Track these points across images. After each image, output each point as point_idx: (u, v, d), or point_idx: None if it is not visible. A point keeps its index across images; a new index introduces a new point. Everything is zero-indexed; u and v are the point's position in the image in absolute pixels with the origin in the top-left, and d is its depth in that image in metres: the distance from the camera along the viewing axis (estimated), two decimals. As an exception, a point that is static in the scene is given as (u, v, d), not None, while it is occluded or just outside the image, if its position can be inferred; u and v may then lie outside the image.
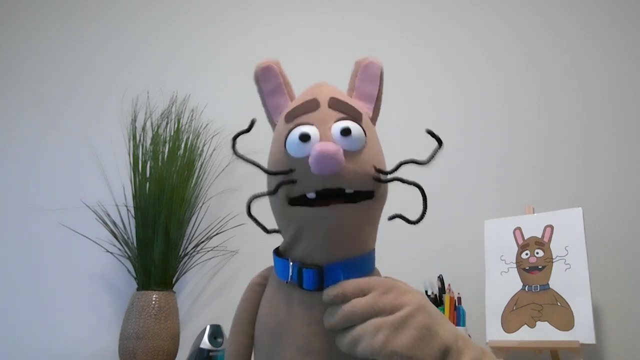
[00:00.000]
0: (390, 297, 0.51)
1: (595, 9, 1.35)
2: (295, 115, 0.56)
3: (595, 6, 1.35)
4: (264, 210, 0.58)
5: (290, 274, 0.55)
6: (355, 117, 0.56)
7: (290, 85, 0.62)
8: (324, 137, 0.54)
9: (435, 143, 0.55)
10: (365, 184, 0.54)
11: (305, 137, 0.53)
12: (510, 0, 1.43)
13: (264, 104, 0.62)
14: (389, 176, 0.56)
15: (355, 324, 0.50)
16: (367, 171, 0.54)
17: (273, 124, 0.61)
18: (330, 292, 0.52)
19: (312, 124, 0.55)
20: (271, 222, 0.59)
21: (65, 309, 1.47)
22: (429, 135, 0.55)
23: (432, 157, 0.54)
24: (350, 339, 0.50)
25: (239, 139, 0.57)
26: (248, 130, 0.57)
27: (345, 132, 0.53)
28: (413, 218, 0.55)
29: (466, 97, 1.39)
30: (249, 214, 0.56)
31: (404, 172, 0.55)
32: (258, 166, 0.56)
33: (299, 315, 0.54)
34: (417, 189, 0.55)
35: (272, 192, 0.55)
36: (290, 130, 0.55)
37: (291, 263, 0.55)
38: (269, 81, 0.61)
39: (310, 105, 0.56)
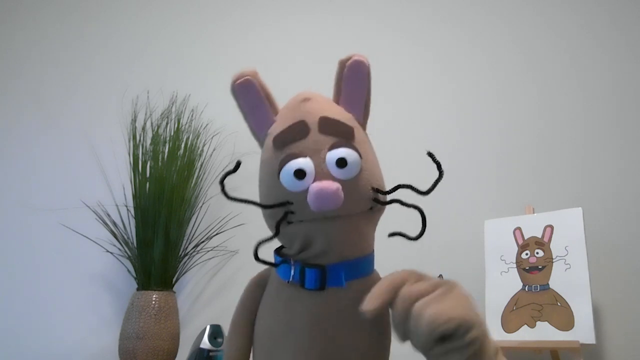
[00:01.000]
0: (425, 282, 0.51)
1: (595, 9, 1.35)
2: (285, 143, 0.54)
3: (595, 6, 1.35)
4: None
5: (292, 273, 0.55)
6: (348, 136, 0.54)
7: (271, 96, 0.59)
8: (319, 171, 0.52)
9: (436, 166, 0.54)
10: (363, 206, 0.54)
11: (300, 174, 0.51)
12: (510, 0, 1.43)
13: (246, 120, 0.59)
14: (388, 197, 0.55)
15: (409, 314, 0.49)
16: (365, 195, 0.54)
17: (258, 140, 0.60)
18: (369, 306, 0.50)
19: (305, 156, 0.52)
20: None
21: (65, 309, 1.46)
22: (429, 158, 0.54)
23: (433, 188, 0.53)
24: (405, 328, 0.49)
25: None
26: (234, 170, 0.56)
27: (341, 164, 0.52)
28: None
29: (466, 97, 1.39)
30: (257, 259, 0.54)
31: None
32: (253, 203, 0.55)
33: (299, 316, 0.54)
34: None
35: (274, 235, 0.55)
36: (282, 163, 0.53)
37: (293, 263, 0.55)
38: (248, 96, 0.57)
39: (300, 131, 0.54)
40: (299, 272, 0.54)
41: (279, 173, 0.53)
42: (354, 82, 0.57)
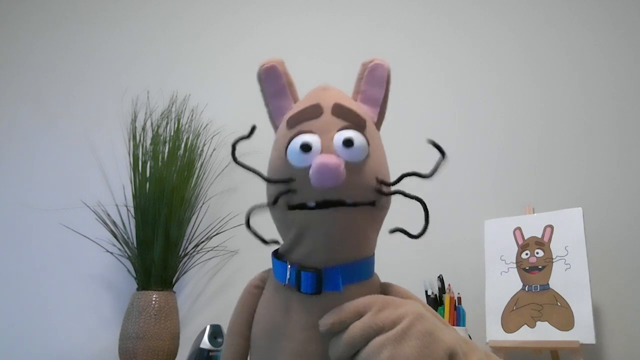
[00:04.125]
0: (387, 312, 0.50)
1: (596, 9, 1.35)
2: (298, 122, 0.55)
3: (596, 6, 1.35)
4: (265, 215, 0.57)
5: (288, 276, 0.54)
6: (359, 124, 0.55)
7: (294, 86, 0.61)
8: (325, 148, 0.52)
9: (438, 150, 0.54)
10: (366, 195, 0.53)
11: (306, 147, 0.52)
12: (511, 0, 1.43)
13: (267, 105, 0.61)
14: (392, 188, 0.55)
15: (360, 348, 0.49)
16: (369, 183, 0.53)
17: (275, 126, 0.60)
18: (327, 320, 0.51)
19: (314, 133, 0.53)
20: (271, 225, 0.58)
21: (65, 309, 1.47)
22: (432, 146, 0.54)
23: (435, 170, 0.53)
24: None
25: (241, 134, 0.57)
26: (248, 136, 0.56)
27: (348, 143, 0.52)
28: (415, 223, 0.54)
29: (467, 97, 1.39)
30: (248, 226, 0.55)
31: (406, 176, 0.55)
32: (258, 174, 0.55)
33: (296, 320, 0.54)
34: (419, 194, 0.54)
35: (272, 204, 0.54)
36: (291, 138, 0.54)
37: (289, 266, 0.55)
38: (272, 82, 0.59)
39: (313, 112, 0.55)
40: (294, 275, 0.54)
41: (287, 148, 0.54)
42: (372, 83, 0.59)
